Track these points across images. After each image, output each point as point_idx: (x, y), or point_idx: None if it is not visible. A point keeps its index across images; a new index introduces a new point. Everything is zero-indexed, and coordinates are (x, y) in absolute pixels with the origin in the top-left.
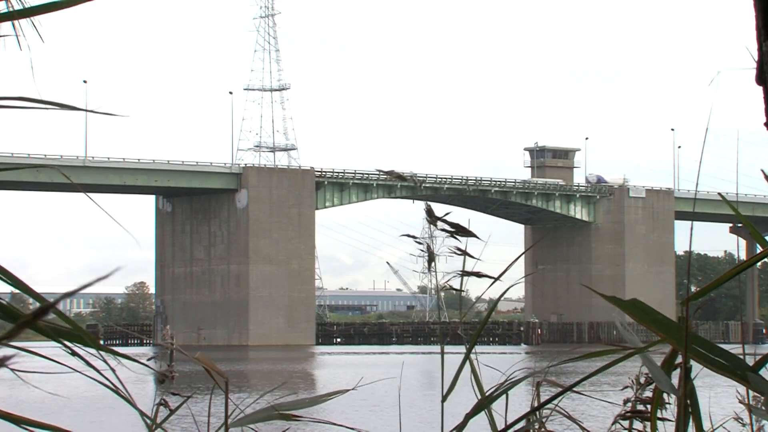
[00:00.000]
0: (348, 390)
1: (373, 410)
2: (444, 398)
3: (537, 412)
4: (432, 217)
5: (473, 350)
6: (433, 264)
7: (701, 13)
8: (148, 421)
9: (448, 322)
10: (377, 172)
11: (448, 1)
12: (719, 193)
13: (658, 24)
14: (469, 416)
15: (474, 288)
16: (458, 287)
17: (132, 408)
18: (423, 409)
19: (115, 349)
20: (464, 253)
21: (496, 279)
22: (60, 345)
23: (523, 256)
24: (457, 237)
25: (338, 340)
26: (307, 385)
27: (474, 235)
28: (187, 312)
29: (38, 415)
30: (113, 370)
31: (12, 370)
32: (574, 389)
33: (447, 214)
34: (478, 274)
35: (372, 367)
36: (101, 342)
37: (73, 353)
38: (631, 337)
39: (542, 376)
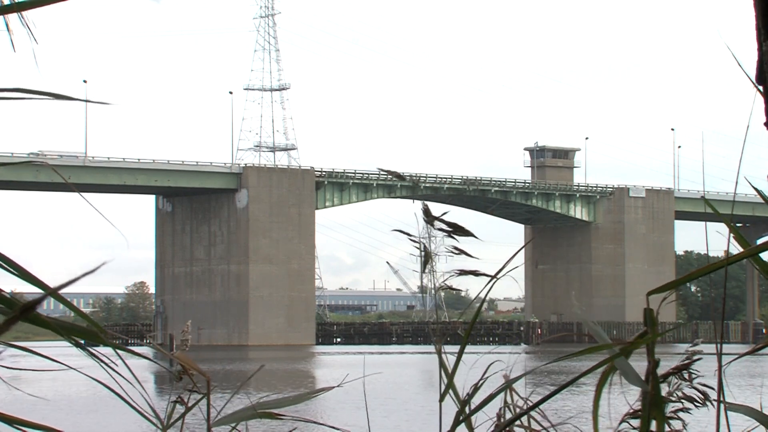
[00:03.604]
0: (332, 387)
1: (370, 409)
2: (441, 398)
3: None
4: (429, 217)
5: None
6: (429, 264)
7: (701, 13)
8: (156, 421)
9: (448, 322)
10: (378, 172)
11: (448, 2)
12: (703, 197)
13: (658, 24)
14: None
15: (476, 288)
16: (457, 286)
17: (139, 407)
18: (418, 407)
19: (121, 348)
20: (462, 252)
21: (493, 277)
22: (71, 343)
23: (523, 257)
24: (455, 236)
25: (338, 339)
26: (306, 385)
27: (472, 234)
28: (187, 312)
29: (43, 414)
30: (114, 369)
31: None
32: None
33: (444, 213)
34: (476, 273)
35: (373, 366)
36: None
37: (87, 351)
38: (602, 335)
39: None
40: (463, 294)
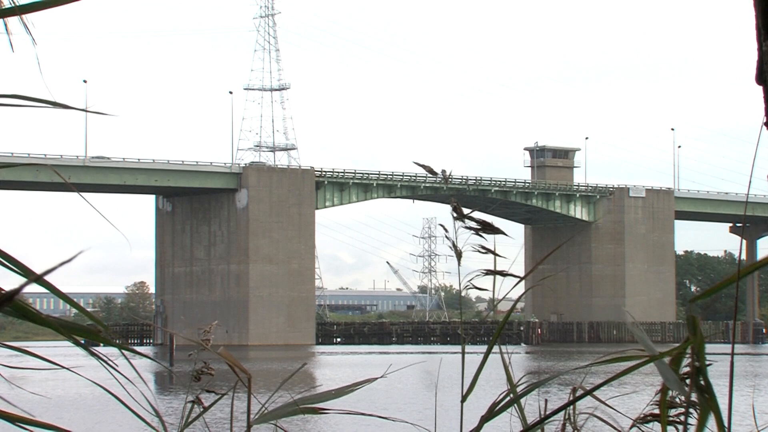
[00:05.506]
0: (376, 378)
1: (395, 406)
2: (464, 398)
3: (571, 414)
4: (459, 214)
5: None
6: (431, 263)
7: (701, 12)
8: (158, 423)
9: (448, 322)
10: (377, 172)
11: (448, 2)
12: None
13: (658, 24)
14: (485, 417)
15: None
16: (477, 286)
17: (142, 407)
18: (439, 408)
19: (124, 348)
20: (490, 251)
21: (522, 278)
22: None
23: (524, 257)
24: (482, 235)
25: (338, 339)
26: (310, 385)
27: (502, 232)
28: (187, 312)
29: (54, 415)
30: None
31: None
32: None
33: (472, 211)
34: (503, 273)
35: (374, 366)
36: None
37: (88, 351)
38: (646, 342)
39: (579, 382)
40: (478, 294)
